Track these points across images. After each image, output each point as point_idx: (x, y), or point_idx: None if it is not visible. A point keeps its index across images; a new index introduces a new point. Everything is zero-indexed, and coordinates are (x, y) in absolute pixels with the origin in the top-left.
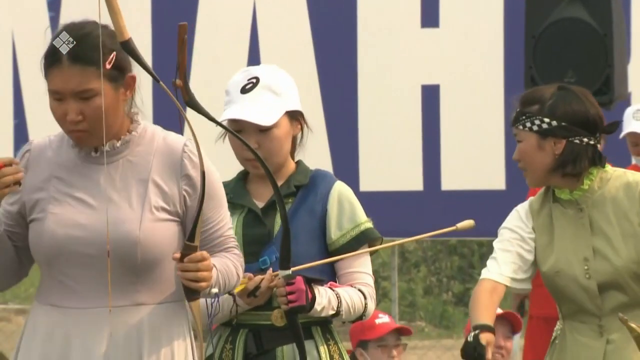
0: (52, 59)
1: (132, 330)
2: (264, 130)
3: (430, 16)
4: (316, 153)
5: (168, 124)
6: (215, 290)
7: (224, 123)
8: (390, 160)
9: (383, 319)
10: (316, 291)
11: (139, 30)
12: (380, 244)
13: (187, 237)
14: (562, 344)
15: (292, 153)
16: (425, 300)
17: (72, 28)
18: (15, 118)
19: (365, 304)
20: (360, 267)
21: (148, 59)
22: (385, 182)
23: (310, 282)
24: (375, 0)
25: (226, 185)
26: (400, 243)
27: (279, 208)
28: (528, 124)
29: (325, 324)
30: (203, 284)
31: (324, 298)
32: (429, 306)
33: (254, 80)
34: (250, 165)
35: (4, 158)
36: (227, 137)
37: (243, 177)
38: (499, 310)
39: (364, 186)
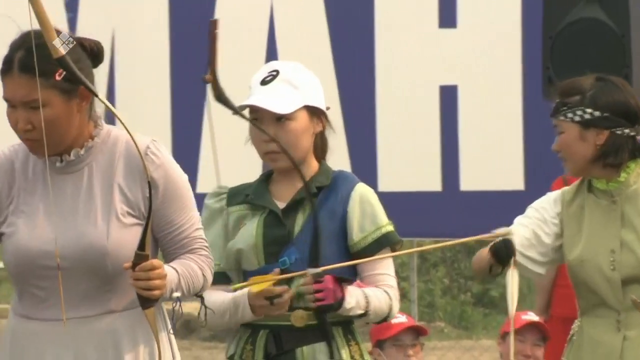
0: (5, 67)
1: (107, 338)
2: (280, 122)
3: (447, 16)
4: (335, 153)
5: (187, 119)
6: (177, 294)
7: (242, 110)
8: (408, 161)
9: (400, 318)
10: (346, 290)
11: (157, 28)
12: (400, 247)
13: (138, 246)
14: (579, 341)
15: (318, 154)
16: (444, 301)
17: (26, 38)
18: None
19: (391, 305)
20: (384, 269)
21: (166, 56)
22: (404, 183)
23: (341, 281)
24: (393, 0)
25: (249, 186)
26: (439, 247)
27: (307, 199)
28: (570, 115)
29: (346, 325)
30: (156, 292)
31: (353, 298)
32: (447, 307)
33: (274, 73)
34: (269, 159)
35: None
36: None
37: (266, 178)
38: (531, 318)
39: (383, 186)
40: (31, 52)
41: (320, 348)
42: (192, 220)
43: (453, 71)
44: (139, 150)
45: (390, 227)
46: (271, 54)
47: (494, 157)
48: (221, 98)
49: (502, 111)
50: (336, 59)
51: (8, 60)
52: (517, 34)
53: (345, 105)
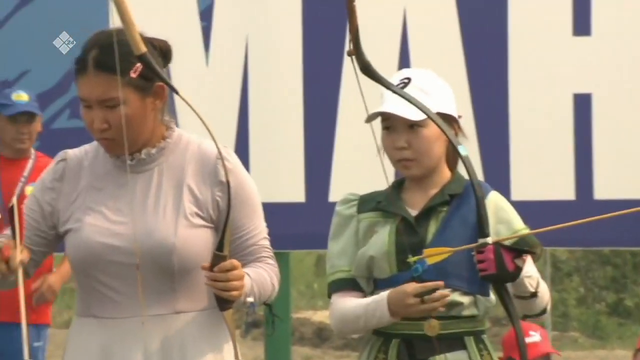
0: (79, 66)
1: (172, 338)
2: (413, 129)
3: (582, 24)
4: None
5: (320, 126)
6: (250, 299)
7: (374, 119)
8: (542, 169)
9: (534, 337)
10: (525, 261)
11: (291, 35)
12: (541, 251)
13: (216, 247)
14: None
15: (450, 162)
16: (578, 311)
17: (101, 36)
18: None
19: (548, 299)
20: (529, 267)
21: (299, 62)
22: (537, 192)
23: (518, 253)
24: (527, 8)
25: (380, 193)
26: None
27: (466, 166)
28: None
29: (478, 334)
30: (234, 293)
31: (533, 271)
32: (582, 316)
33: (406, 81)
34: (402, 166)
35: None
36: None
37: (398, 185)
38: None
39: (516, 195)
40: (105, 50)
41: (453, 357)
42: (259, 228)
43: (587, 79)
44: (219, 149)
45: (526, 231)
46: (404, 61)
47: (629, 166)
48: (367, 69)
49: (637, 119)
50: (469, 66)
51: (82, 59)
52: None
53: (478, 113)
